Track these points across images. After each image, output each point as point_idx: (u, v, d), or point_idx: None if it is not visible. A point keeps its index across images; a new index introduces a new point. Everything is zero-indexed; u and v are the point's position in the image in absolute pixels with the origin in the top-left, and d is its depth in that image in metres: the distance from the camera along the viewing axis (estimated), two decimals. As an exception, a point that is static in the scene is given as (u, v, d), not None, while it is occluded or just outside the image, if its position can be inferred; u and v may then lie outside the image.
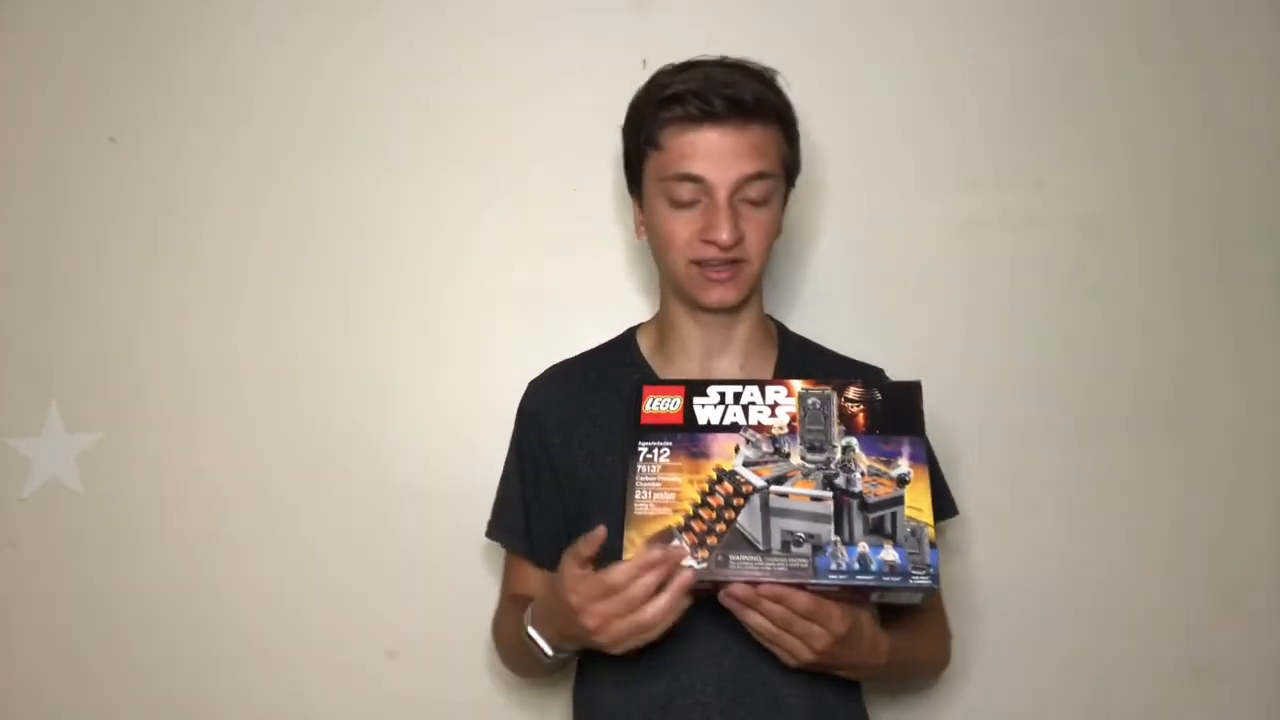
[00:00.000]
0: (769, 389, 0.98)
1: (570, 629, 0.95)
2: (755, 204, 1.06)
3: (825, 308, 1.36)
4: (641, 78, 1.11)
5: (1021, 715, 1.34)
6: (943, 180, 1.39)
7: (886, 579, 0.90)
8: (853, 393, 0.98)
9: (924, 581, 0.90)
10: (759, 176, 1.05)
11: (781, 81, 1.10)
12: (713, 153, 1.03)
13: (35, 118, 1.42)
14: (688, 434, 0.97)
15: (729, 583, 0.91)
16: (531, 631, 1.02)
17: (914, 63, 1.40)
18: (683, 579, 0.90)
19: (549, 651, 1.01)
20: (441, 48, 1.41)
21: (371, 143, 1.41)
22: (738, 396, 0.98)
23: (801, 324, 1.24)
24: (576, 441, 1.12)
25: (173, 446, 1.38)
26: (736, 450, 0.96)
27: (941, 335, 1.37)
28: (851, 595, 0.93)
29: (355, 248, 1.40)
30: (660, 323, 1.17)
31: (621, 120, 1.13)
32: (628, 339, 1.19)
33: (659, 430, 0.97)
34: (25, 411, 1.39)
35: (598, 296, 1.37)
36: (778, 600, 0.91)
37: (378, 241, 1.40)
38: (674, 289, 1.13)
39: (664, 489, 0.94)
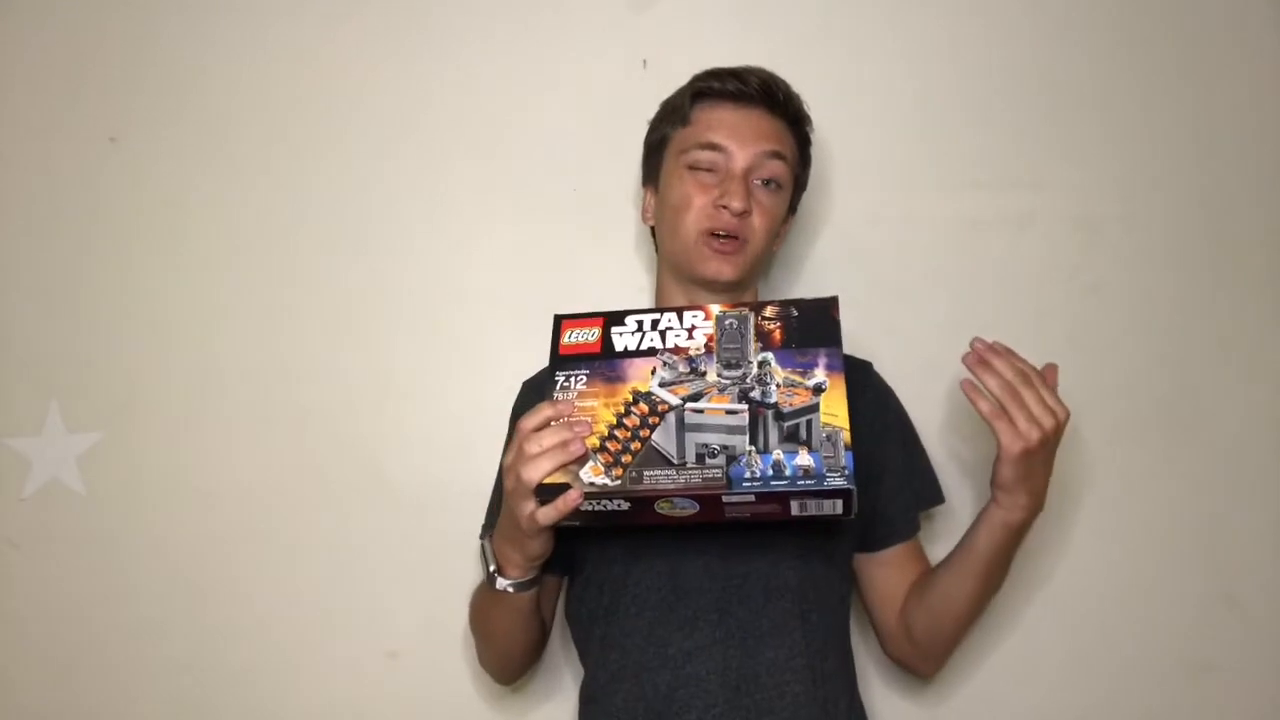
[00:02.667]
0: (686, 314, 0.98)
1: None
2: (766, 187, 1.12)
3: (824, 307, 1.36)
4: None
5: (1018, 714, 1.33)
6: (942, 180, 1.39)
7: (801, 483, 0.89)
8: (769, 311, 0.97)
9: (840, 483, 0.88)
10: (776, 155, 1.11)
11: (806, 107, 1.17)
12: (737, 128, 1.11)
13: (35, 117, 1.43)
14: (605, 360, 0.96)
15: (645, 496, 0.90)
16: (485, 542, 1.05)
17: (913, 62, 1.40)
18: (567, 497, 0.90)
19: (491, 566, 1.03)
20: (442, 49, 1.41)
21: (371, 143, 1.41)
22: (655, 323, 0.98)
23: (801, 324, 1.24)
24: None
25: (173, 446, 1.38)
26: (653, 372, 0.95)
27: (941, 335, 1.36)
28: (770, 509, 0.91)
29: (355, 249, 1.40)
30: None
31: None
32: None
33: (576, 359, 0.97)
34: (25, 411, 1.39)
35: (597, 297, 1.36)
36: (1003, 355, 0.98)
37: (378, 243, 1.40)
38: (673, 271, 1.15)
39: (581, 415, 0.94)
